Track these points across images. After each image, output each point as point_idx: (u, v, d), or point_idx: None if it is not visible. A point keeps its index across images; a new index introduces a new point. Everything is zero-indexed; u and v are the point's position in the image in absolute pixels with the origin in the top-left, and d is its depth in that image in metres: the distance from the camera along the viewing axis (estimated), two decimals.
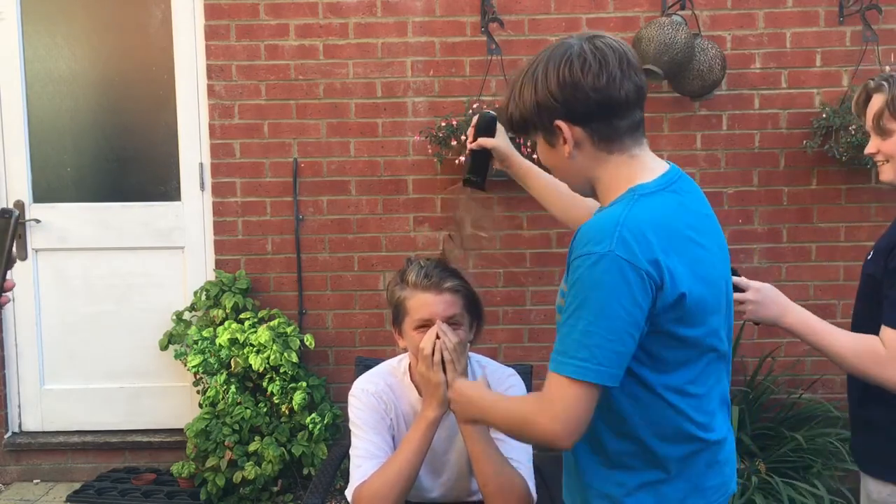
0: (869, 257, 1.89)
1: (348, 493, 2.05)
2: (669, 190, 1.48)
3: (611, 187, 1.50)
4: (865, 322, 1.84)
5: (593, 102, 1.43)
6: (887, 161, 1.85)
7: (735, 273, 1.80)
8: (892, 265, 1.77)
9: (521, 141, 3.45)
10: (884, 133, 1.83)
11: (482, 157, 1.95)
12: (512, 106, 1.54)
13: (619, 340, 1.37)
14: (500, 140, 1.95)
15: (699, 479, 1.53)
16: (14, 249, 1.48)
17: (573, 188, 1.61)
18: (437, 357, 1.98)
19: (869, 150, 1.90)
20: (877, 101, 1.84)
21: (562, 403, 1.39)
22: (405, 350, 2.15)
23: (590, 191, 1.57)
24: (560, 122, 1.46)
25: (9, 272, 1.49)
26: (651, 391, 1.47)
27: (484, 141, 1.93)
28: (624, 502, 1.52)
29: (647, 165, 1.51)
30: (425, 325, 2.02)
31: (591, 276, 1.37)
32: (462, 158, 3.52)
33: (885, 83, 1.83)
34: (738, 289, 1.81)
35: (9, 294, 1.52)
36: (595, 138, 1.47)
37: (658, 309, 1.40)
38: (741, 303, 1.80)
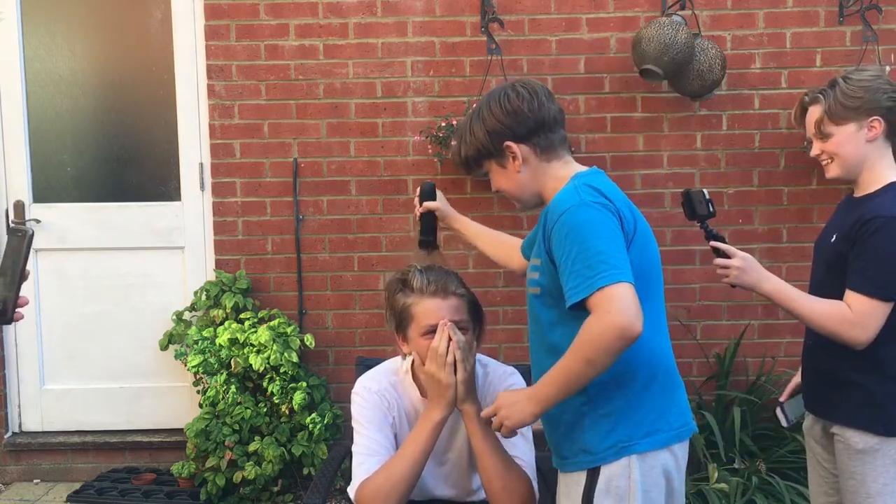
0: (832, 240, 2.11)
1: (351, 491, 2.04)
2: (600, 174, 1.86)
3: (557, 185, 1.84)
4: (826, 290, 2.08)
5: (532, 121, 1.84)
6: (832, 159, 2.10)
7: (722, 239, 2.08)
8: (857, 238, 2.01)
9: None
10: (824, 136, 2.09)
11: (430, 220, 2.32)
12: (464, 148, 1.92)
13: (621, 250, 1.65)
14: (442, 203, 2.33)
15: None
16: (27, 267, 1.48)
17: (525, 202, 1.94)
18: (450, 358, 1.98)
19: (814, 153, 2.14)
20: (815, 111, 2.10)
21: (616, 300, 1.58)
22: (406, 356, 2.15)
23: (538, 201, 1.91)
24: (509, 143, 1.85)
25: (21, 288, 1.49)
26: None
27: (429, 204, 2.30)
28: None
29: (578, 165, 1.90)
30: (434, 330, 2.03)
31: (576, 220, 1.67)
32: None
33: (820, 95, 2.09)
34: (722, 254, 2.05)
35: (21, 311, 1.51)
36: (538, 150, 1.86)
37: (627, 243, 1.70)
38: (726, 268, 2.05)
